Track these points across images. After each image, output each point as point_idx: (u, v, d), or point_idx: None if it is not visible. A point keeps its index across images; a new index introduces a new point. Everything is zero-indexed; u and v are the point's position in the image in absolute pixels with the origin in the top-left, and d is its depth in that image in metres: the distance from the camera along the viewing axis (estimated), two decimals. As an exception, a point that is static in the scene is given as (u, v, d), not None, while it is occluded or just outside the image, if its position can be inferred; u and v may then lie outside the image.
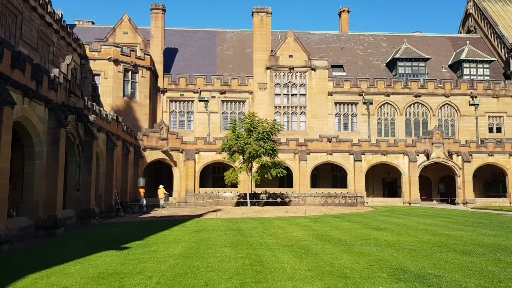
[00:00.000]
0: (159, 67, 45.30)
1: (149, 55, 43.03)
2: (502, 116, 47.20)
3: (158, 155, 38.46)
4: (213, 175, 44.54)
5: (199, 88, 45.91)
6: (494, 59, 50.65)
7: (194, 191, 38.74)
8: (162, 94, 45.69)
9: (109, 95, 39.29)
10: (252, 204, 33.54)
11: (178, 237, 15.98)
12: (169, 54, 49.50)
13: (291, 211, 28.88)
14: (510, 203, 40.50)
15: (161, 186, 34.55)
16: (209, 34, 54.92)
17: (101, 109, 26.47)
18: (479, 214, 30.12)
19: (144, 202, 31.38)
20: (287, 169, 38.92)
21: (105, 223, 22.24)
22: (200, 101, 46.01)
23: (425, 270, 9.95)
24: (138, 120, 41.04)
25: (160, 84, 45.46)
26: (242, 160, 33.59)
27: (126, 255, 11.99)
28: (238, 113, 46.22)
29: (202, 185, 41.08)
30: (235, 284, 8.60)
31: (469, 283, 8.77)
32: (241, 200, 34.72)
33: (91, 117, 21.50)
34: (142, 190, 32.50)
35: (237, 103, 46.79)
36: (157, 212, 29.21)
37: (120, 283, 8.78)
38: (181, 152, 39.94)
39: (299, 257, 11.55)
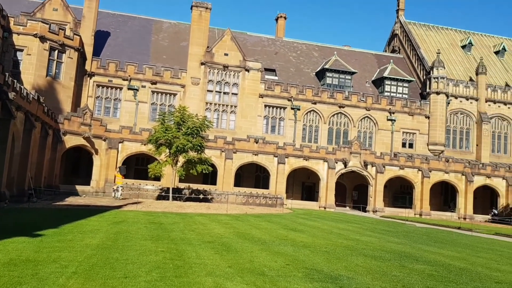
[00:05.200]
0: (89, 50, 43.29)
1: (79, 35, 40.98)
2: (415, 133, 51.00)
3: (79, 141, 36.81)
4: (136, 167, 43.43)
5: (129, 75, 44.55)
6: (413, 79, 54.58)
7: (114, 182, 37.54)
8: (89, 78, 43.71)
9: (31, 73, 36.82)
10: (174, 198, 33.25)
11: (96, 227, 15.54)
12: (101, 37, 47.46)
13: (213, 208, 29.08)
14: (414, 214, 43.90)
15: (118, 171, 34.07)
16: (145, 22, 53.47)
17: (22, 87, 24.85)
18: (387, 222, 32.36)
19: (119, 190, 32.16)
20: (213, 166, 39.06)
21: (16, 207, 20.94)
22: (129, 89, 44.65)
23: (337, 272, 10.58)
24: (61, 103, 38.92)
25: (88, 67, 43.46)
26: (169, 153, 33.18)
27: (39, 243, 11.49)
28: (168, 106, 45.52)
29: (124, 175, 39.88)
30: (155, 277, 8.63)
31: (376, 286, 9.43)
32: (163, 194, 34.27)
33: (11, 95, 20.15)
34: (120, 177, 33.02)
35: (168, 95, 46.06)
36: (72, 200, 27.99)
37: (34, 271, 8.45)
38: (104, 140, 38.54)
39: (220, 254, 11.80)
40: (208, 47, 46.92)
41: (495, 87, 53.97)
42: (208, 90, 46.63)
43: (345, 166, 44.05)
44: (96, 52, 45.19)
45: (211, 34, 50.17)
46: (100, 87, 44.52)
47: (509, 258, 16.27)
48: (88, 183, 38.10)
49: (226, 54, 46.90)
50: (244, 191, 39.16)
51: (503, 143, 53.71)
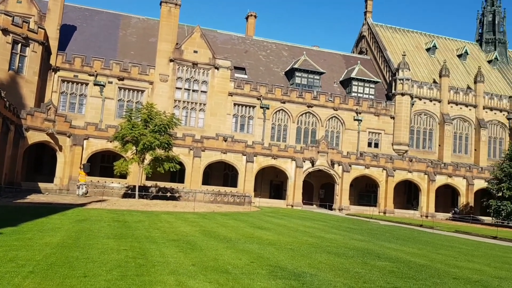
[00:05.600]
0: (54, 44, 42.06)
1: (44, 29, 39.71)
2: (381, 133, 52.10)
3: (42, 137, 35.77)
4: (102, 164, 42.62)
5: (95, 71, 43.61)
6: (379, 80, 55.70)
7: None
8: (53, 73, 42.49)
9: (-8, 67, 35.47)
10: (141, 196, 32.80)
11: (57, 225, 15.17)
12: (66, 32, 46.20)
13: (180, 206, 28.87)
14: (379, 212, 44.89)
15: (82, 169, 33.53)
16: (113, 17, 52.41)
17: (-20, 80, 23.92)
18: (352, 220, 32.95)
19: (83, 188, 31.79)
20: (181, 164, 38.79)
21: (-27, 206, 20.18)
22: (95, 85, 43.71)
23: (300, 269, 10.71)
24: (24, 98, 37.66)
25: (52, 62, 42.23)
26: (135, 151, 32.68)
27: (-4, 242, 11.12)
28: (136, 103, 44.81)
29: (88, 173, 39.08)
30: (116, 276, 8.50)
31: (338, 283, 9.61)
32: (129, 192, 33.74)
33: (-33, 88, 19.34)
34: (83, 174, 32.94)
35: (136, 92, 45.34)
36: (34, 198, 27.18)
37: (-12, 271, 8.18)
38: (69, 137, 37.59)
39: (184, 252, 11.74)
40: (177, 43, 46.46)
41: (457, 89, 55.75)
42: (176, 88, 46.19)
43: (313, 165, 44.55)
44: (62, 47, 43.99)
45: (180, 31, 49.71)
46: (65, 82, 43.38)
47: (467, 255, 16.87)
48: (51, 181, 37.08)
49: (195, 52, 46.57)
50: (212, 189, 39.05)
51: (464, 144, 55.60)
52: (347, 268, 11.40)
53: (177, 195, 35.24)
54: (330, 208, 45.32)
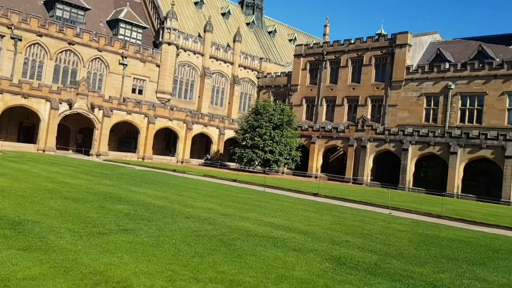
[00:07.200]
0: None
1: None
2: (145, 80, 52.23)
3: None
4: None
5: None
6: (148, 26, 55.14)
7: None
8: None
9: None
10: None
11: None
12: None
13: None
14: (138, 158, 45.63)
15: None
16: None
17: None
18: (107, 165, 32.67)
19: None
20: None
21: None
22: None
23: (24, 217, 10.03)
24: None
25: None
26: None
27: None
28: None
29: None
30: None
31: (63, 228, 9.27)
32: None
33: None
34: None
35: None
36: None
37: None
38: None
39: None
40: None
41: (218, 46, 59.84)
42: None
43: (70, 107, 41.74)
44: None
45: None
46: None
47: (206, 195, 18.86)
48: None
49: None
50: None
51: (220, 97, 60.78)
52: (80, 214, 11.25)
53: None
54: (88, 154, 43.74)
